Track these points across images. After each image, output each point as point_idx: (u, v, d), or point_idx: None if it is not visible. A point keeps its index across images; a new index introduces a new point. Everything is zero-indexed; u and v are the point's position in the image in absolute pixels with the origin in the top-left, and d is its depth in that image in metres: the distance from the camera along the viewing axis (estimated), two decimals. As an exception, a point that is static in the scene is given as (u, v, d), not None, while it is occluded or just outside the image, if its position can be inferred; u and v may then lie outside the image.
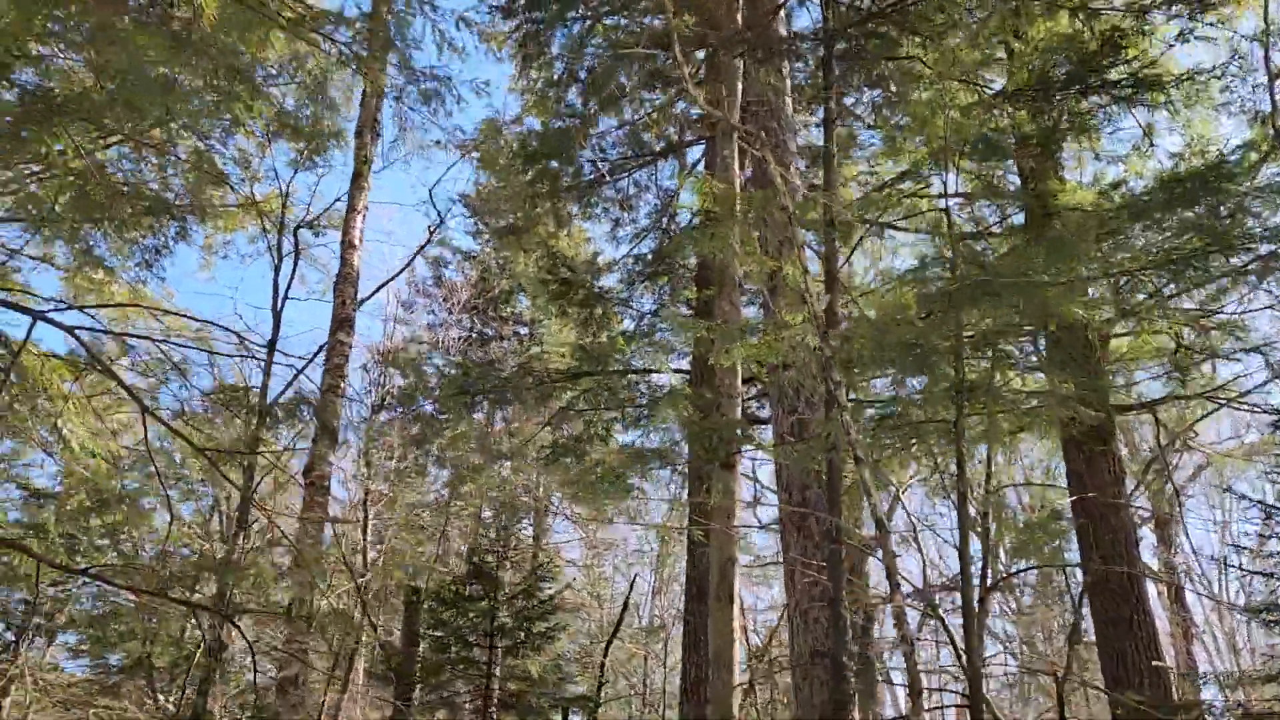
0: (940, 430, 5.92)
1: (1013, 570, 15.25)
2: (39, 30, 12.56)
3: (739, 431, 7.67)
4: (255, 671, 9.85)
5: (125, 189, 14.48)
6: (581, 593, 27.75)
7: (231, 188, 15.18)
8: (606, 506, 14.83)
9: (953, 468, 5.60)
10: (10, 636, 23.40)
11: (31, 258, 15.53)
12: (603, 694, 13.77)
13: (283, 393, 11.35)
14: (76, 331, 7.14)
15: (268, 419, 10.44)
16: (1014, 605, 22.46)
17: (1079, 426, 7.36)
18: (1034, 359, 8.20)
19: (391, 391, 17.32)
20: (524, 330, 25.09)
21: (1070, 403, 6.35)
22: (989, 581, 5.62)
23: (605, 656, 14.19)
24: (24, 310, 6.89)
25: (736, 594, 7.29)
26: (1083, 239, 6.23)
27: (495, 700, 12.14)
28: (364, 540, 17.38)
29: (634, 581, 16.20)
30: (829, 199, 5.94)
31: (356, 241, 10.10)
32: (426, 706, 13.63)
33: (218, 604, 7.95)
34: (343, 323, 9.59)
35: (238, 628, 6.59)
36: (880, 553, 5.04)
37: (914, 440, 5.95)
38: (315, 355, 10.55)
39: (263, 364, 11.22)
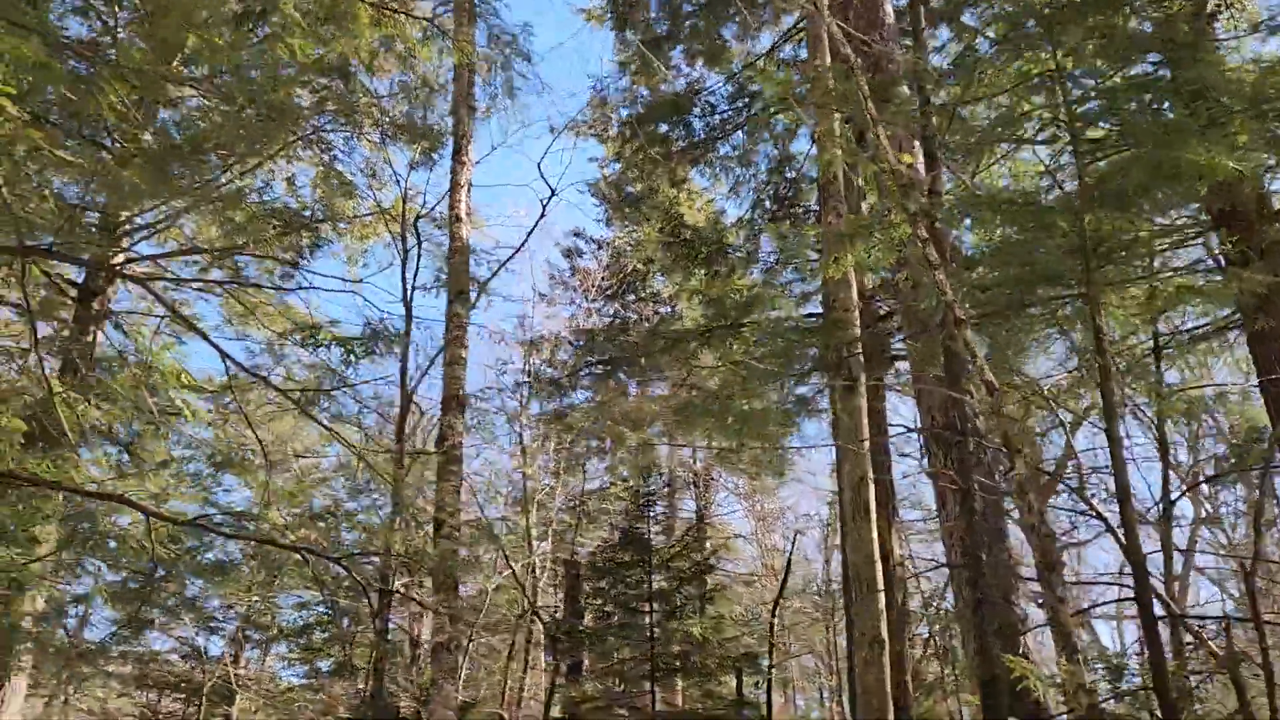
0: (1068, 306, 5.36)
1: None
2: (176, 74, 13.27)
3: (858, 345, 7.27)
4: (411, 641, 10.09)
5: (264, 212, 15.23)
6: (756, 563, 27.53)
7: (359, 196, 15.78)
8: (756, 459, 14.51)
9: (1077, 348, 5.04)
10: (213, 647, 25.15)
11: (194, 287, 16.60)
12: (774, 653, 13.49)
13: (420, 378, 11.60)
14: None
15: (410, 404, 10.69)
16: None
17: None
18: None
19: (535, 374, 17.55)
20: (665, 310, 25.01)
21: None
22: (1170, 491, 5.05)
23: (774, 616, 13.91)
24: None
25: (872, 511, 6.90)
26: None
27: (661, 663, 12.09)
28: (527, 521, 17.74)
29: (795, 539, 15.82)
30: (919, 58, 5.50)
31: (463, 215, 10.22)
32: (596, 673, 13.73)
33: (347, 559, 8.14)
34: (458, 296, 9.71)
35: (393, 591, 6.73)
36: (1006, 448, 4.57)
37: (1036, 310, 5.41)
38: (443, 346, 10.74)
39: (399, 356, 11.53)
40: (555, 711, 13.82)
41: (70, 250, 8.91)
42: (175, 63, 15.39)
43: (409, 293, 12.32)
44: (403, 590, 11.94)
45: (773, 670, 13.46)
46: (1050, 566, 4.17)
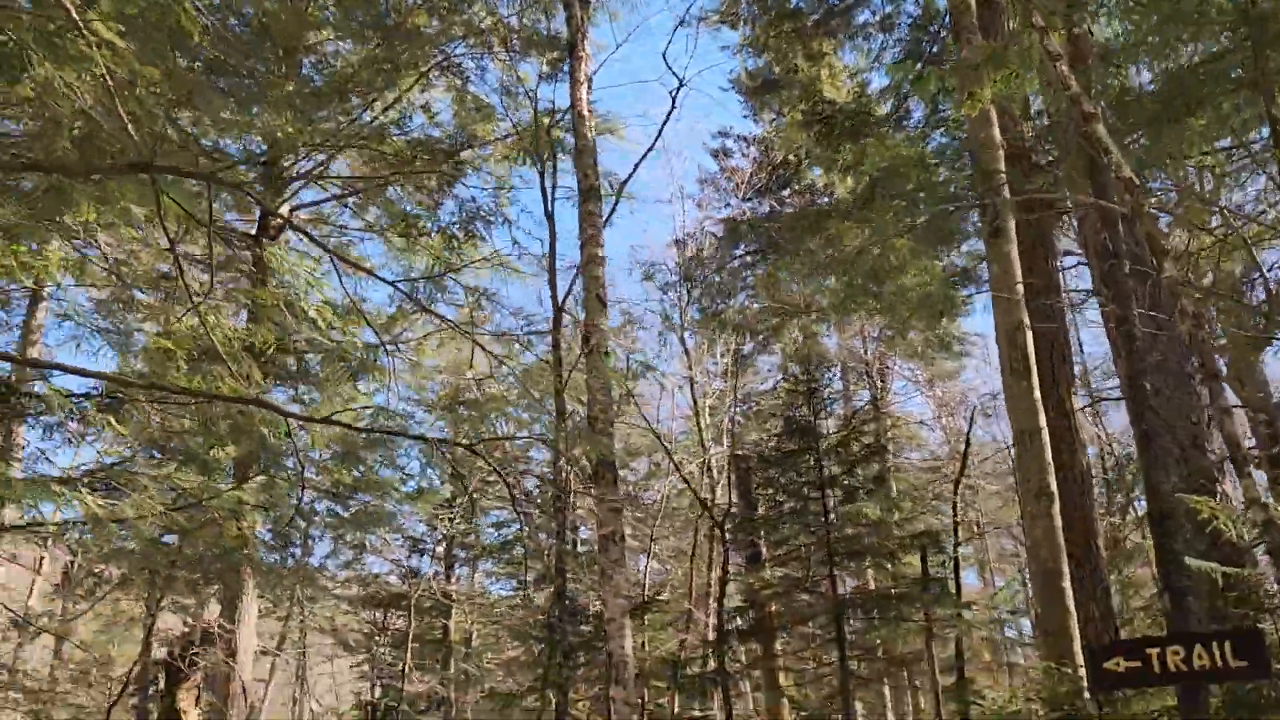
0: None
1: None
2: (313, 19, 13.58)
3: (1003, 185, 6.70)
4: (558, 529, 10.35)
5: (409, 145, 15.59)
6: (940, 449, 26.81)
7: (497, 118, 15.88)
8: (925, 340, 13.95)
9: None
10: (426, 565, 26.81)
11: (355, 228, 17.29)
12: (958, 531, 13.09)
13: (569, 289, 11.71)
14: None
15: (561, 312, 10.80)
16: None
17: None
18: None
19: (687, 272, 17.40)
20: (822, 201, 24.21)
21: None
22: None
23: (956, 494, 13.48)
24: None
25: (1030, 359, 6.43)
26: None
27: (839, 547, 11.96)
28: (698, 423, 17.85)
29: (974, 415, 15.18)
30: None
31: (585, 112, 10.08)
32: (774, 560, 13.77)
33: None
34: (588, 193, 9.63)
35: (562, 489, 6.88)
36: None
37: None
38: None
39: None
40: (736, 601, 14.05)
41: (246, 184, 9.40)
42: (310, 8, 15.84)
43: (549, 204, 12.35)
44: (574, 490, 12.26)
45: (959, 549, 13.07)
46: (1213, 375, 3.71)
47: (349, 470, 11.26)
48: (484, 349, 10.62)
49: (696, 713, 13.79)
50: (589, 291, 9.07)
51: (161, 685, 15.34)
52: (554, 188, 12.75)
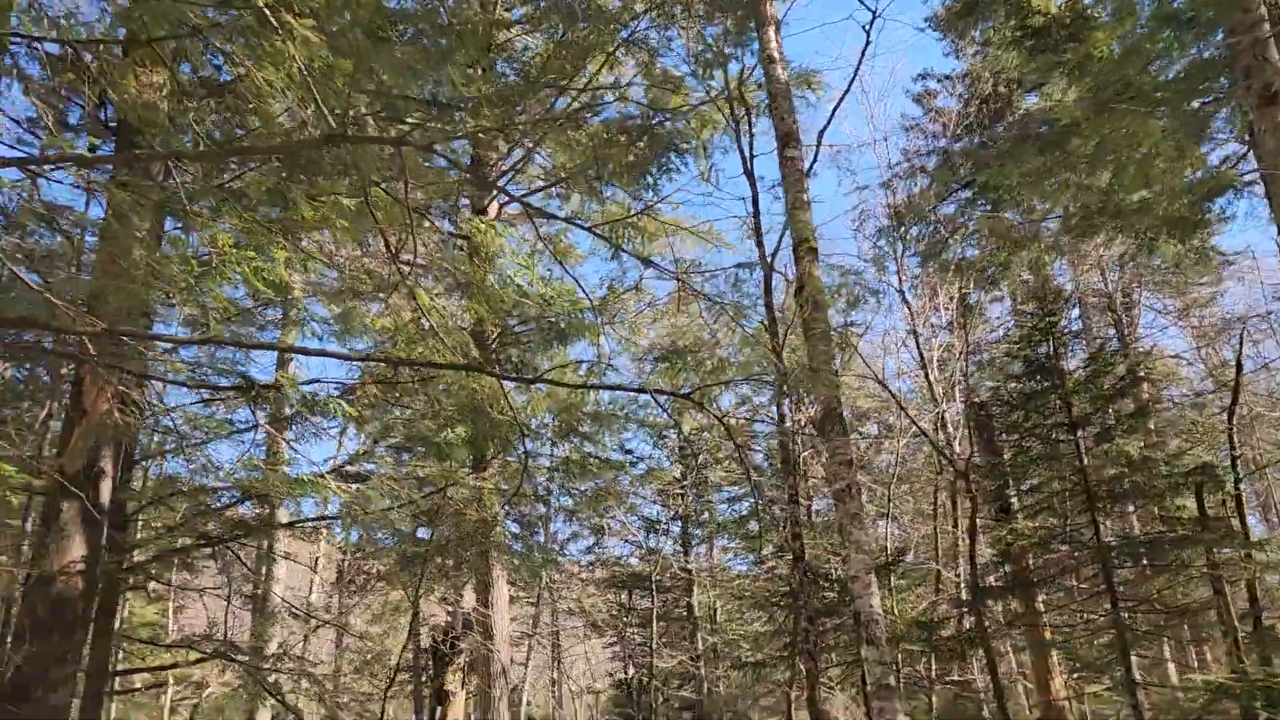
0: None
1: None
2: (503, 20, 13.86)
3: (1267, 40, 5.76)
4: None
5: (606, 130, 15.69)
6: (1203, 383, 24.30)
7: (687, 89, 15.69)
8: (1176, 257, 12.54)
9: None
10: (665, 544, 27.10)
11: (562, 217, 17.62)
12: (1237, 465, 11.68)
13: (777, 248, 11.34)
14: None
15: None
16: None
17: None
18: None
19: (898, 215, 16.54)
20: (1042, 129, 22.49)
21: None
22: None
23: (1230, 424, 12.04)
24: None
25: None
26: None
27: (1098, 490, 10.95)
28: (927, 377, 16.98)
29: (1243, 334, 13.47)
30: None
31: (775, 55, 9.65)
32: (1026, 510, 12.81)
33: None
34: (786, 139, 9.22)
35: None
36: None
37: None
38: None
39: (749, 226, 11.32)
40: (988, 557, 13.18)
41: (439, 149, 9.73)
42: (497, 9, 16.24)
43: (749, 163, 12.03)
44: (802, 451, 11.88)
45: (1240, 484, 11.67)
46: None
47: (577, 448, 11.41)
48: (701, 296, 10.47)
49: (955, 676, 13.11)
50: (796, 237, 8.68)
51: (431, 670, 16.33)
52: (752, 146, 12.40)
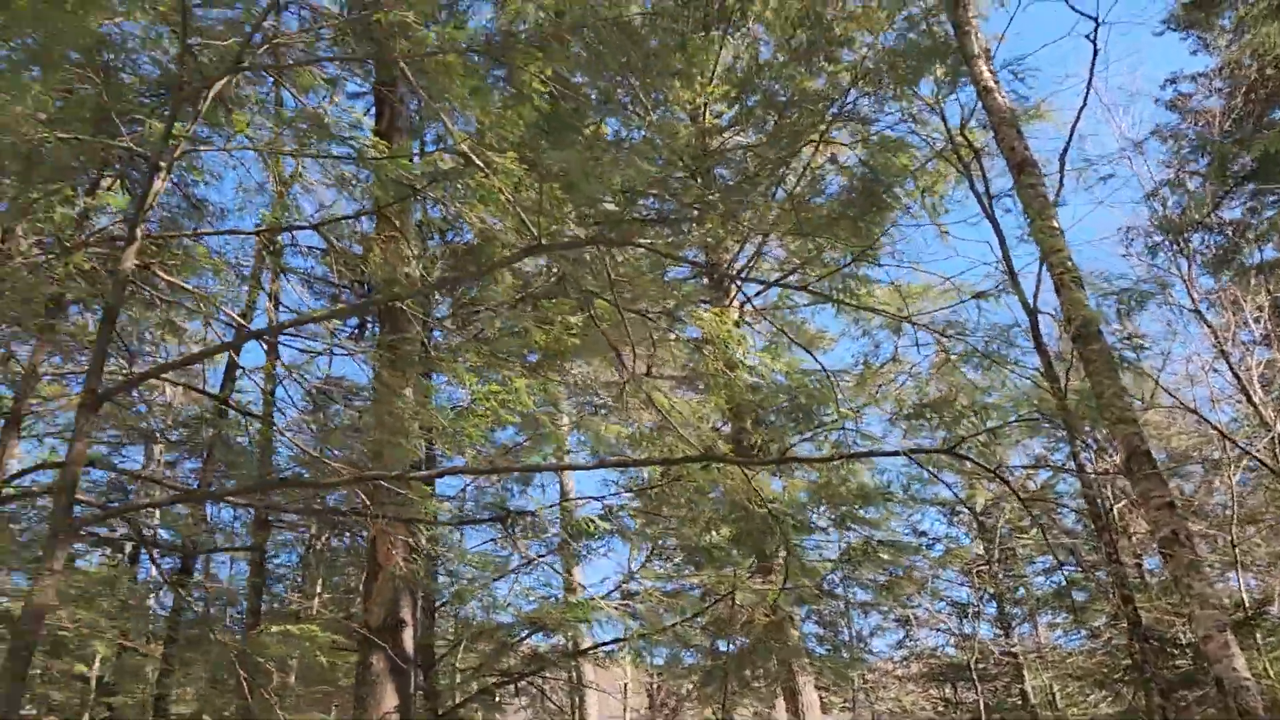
0: None
1: None
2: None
3: None
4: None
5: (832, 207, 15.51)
6: None
7: (912, 149, 15.19)
8: None
9: None
10: (982, 629, 25.13)
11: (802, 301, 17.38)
12: None
13: (1037, 288, 10.56)
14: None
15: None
16: None
17: None
18: None
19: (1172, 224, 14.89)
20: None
21: None
22: None
23: None
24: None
25: None
26: None
27: None
28: (1249, 398, 14.93)
29: None
30: None
31: (991, 85, 9.04)
32: None
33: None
34: (1021, 166, 8.52)
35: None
36: None
37: None
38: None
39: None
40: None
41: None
42: (705, 117, 16.63)
43: (988, 205, 11.29)
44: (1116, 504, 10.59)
45: None
46: None
47: (861, 536, 10.78)
48: (958, 358, 9.76)
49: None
50: (1055, 269, 7.89)
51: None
52: (988, 187, 11.67)
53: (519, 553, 7.19)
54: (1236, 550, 13.31)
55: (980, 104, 9.42)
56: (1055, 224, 8.15)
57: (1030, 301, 10.66)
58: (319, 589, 16.11)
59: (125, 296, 5.58)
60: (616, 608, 7.57)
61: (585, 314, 5.68)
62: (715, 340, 5.78)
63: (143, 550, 14.05)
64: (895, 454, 3.99)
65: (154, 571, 12.97)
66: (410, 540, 7.55)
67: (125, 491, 16.35)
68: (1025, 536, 22.64)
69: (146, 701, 13.17)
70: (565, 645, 11.66)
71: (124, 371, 7.57)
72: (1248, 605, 11.85)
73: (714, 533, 8.03)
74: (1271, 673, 10.94)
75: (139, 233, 4.55)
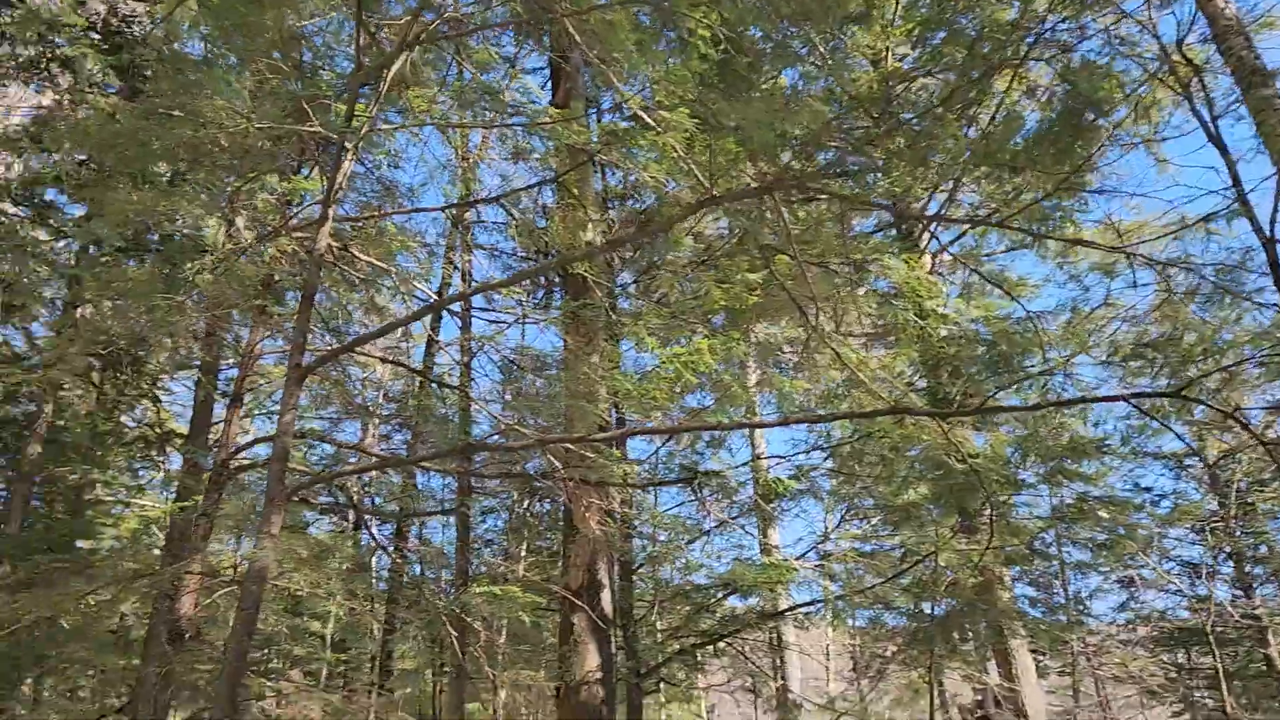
0: None
1: None
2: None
3: None
4: None
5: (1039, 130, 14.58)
6: None
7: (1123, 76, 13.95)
8: None
9: None
10: (1219, 589, 23.27)
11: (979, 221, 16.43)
12: None
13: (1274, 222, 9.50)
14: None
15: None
16: None
17: None
18: None
19: None
20: None
21: None
22: None
23: None
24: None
25: None
26: None
27: None
28: None
29: None
30: None
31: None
32: None
33: None
34: (1253, 76, 7.61)
35: None
36: None
37: None
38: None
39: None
40: None
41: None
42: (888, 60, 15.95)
43: (1214, 127, 10.18)
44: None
45: None
46: None
47: (1076, 494, 10.09)
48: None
49: None
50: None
51: (967, 754, 15.22)
52: (1212, 108, 10.52)
53: (710, 513, 7.14)
54: None
55: (1199, 13, 8.46)
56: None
57: (1266, 228, 9.55)
58: (523, 553, 16.77)
59: (326, 277, 5.87)
60: (813, 568, 7.40)
61: (766, 270, 5.52)
62: (906, 290, 5.47)
63: (362, 518, 15.02)
64: (1114, 399, 3.61)
65: (373, 538, 13.84)
66: (605, 504, 7.66)
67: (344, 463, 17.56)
68: (1267, 489, 20.71)
69: (374, 656, 14.12)
70: (762, 607, 11.60)
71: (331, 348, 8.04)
72: None
73: (911, 491, 7.70)
74: None
75: (330, 213, 4.75)
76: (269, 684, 13.91)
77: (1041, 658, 24.31)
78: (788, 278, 5.16)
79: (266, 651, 16.75)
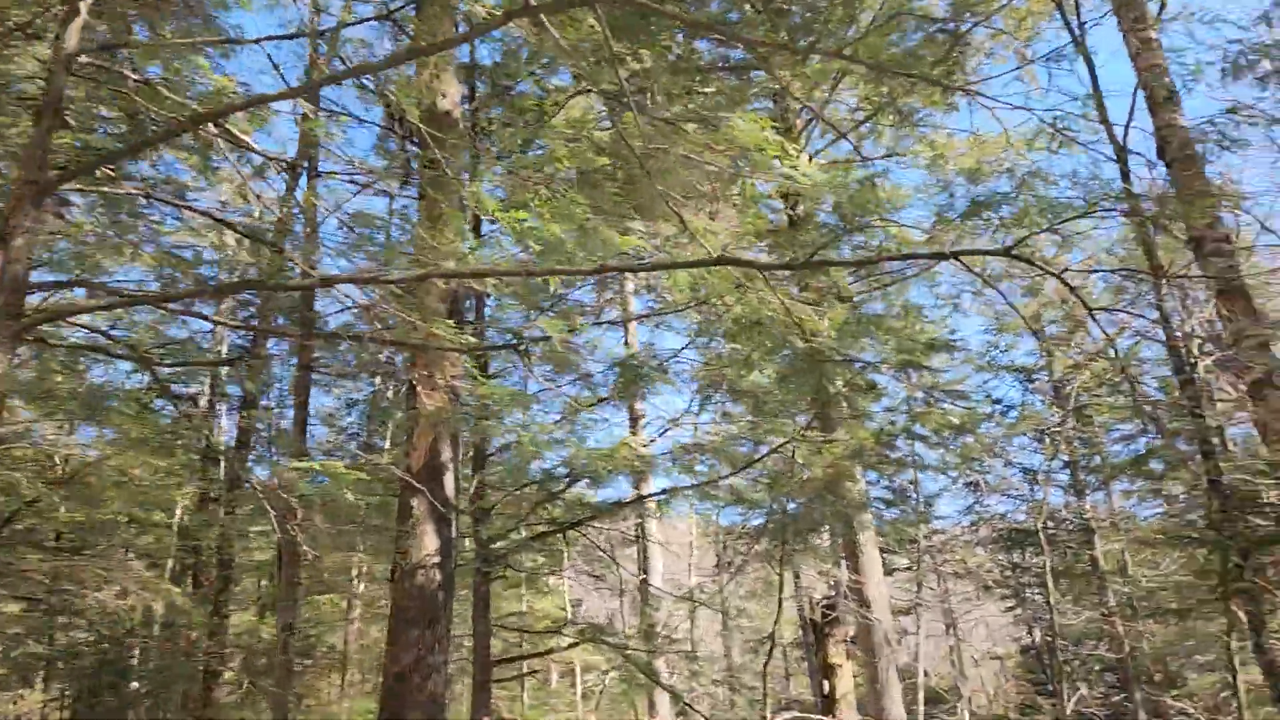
0: None
1: None
2: None
3: None
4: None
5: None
6: None
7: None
8: None
9: None
10: (1054, 495, 24.59)
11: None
12: None
13: (1126, 130, 9.66)
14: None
15: None
16: None
17: None
18: None
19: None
20: None
21: None
22: None
23: None
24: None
25: None
26: None
27: None
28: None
29: None
30: None
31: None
32: None
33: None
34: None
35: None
36: None
37: None
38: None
39: None
40: None
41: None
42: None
43: (1079, 32, 10.21)
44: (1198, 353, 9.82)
45: None
46: None
47: (929, 397, 10.23)
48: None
49: None
50: (1149, 89, 7.03)
51: (813, 643, 15.81)
52: (1079, 13, 10.55)
53: (535, 380, 6.91)
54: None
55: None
56: (1153, 35, 7.24)
57: (1121, 138, 9.71)
58: (388, 442, 16.34)
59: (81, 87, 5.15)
60: (663, 456, 7.30)
61: (614, 128, 5.16)
62: (754, 148, 5.20)
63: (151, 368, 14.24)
64: (941, 256, 3.47)
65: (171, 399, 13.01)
66: (446, 381, 7.30)
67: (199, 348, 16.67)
68: (1101, 402, 21.82)
69: (218, 546, 13.59)
70: (619, 498, 11.57)
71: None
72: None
73: (755, 372, 7.61)
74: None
75: (82, 4, 4.06)
76: (102, 572, 13.25)
77: (891, 555, 25.45)
78: (635, 138, 4.81)
79: (107, 541, 15.99)
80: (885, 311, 13.81)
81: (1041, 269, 3.19)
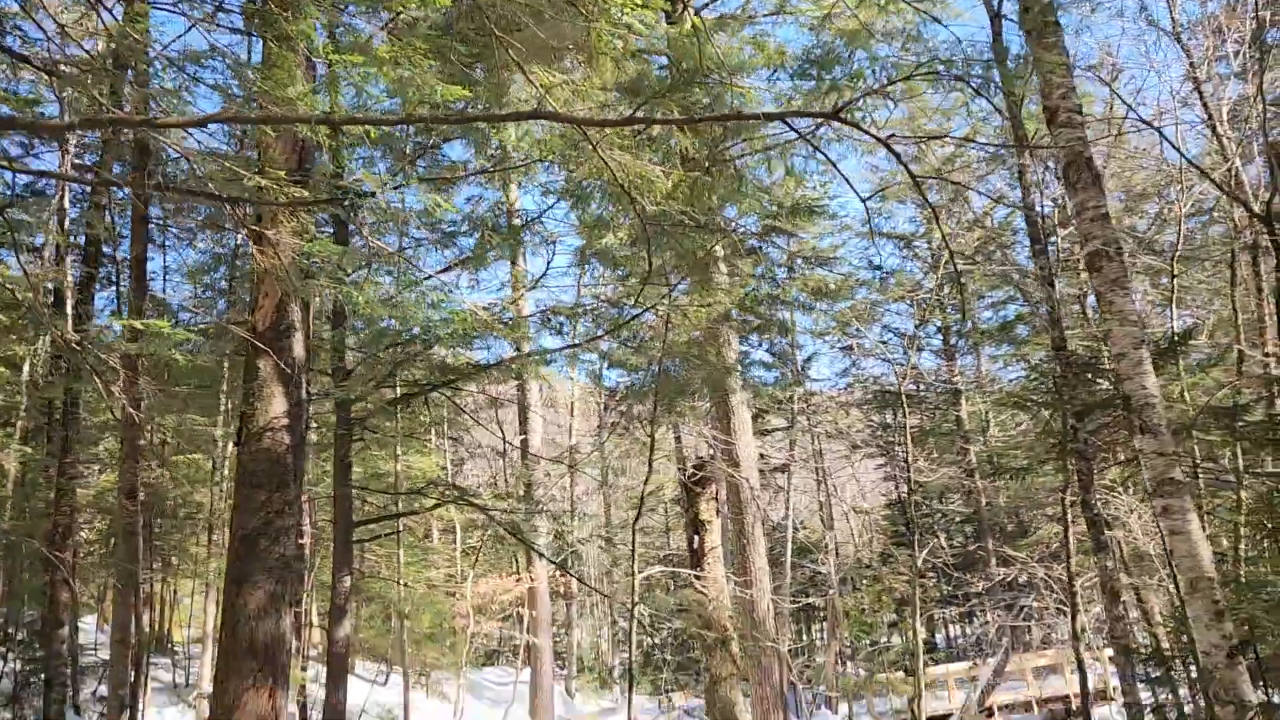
0: None
1: None
2: None
3: None
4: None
5: None
6: None
7: None
8: None
9: None
10: (924, 359, 25.46)
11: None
12: None
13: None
14: None
15: None
16: None
17: None
18: None
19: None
20: None
21: None
22: None
23: None
24: None
25: None
26: None
27: None
28: (1215, 131, 14.17)
29: None
30: None
31: None
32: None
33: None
34: None
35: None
36: None
37: None
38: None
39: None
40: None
41: None
42: None
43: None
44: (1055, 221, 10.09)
45: None
46: None
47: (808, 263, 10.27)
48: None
49: (1270, 469, 11.12)
50: None
51: (685, 500, 16.32)
52: None
53: (366, 240, 6.63)
54: (1175, 282, 13.07)
55: None
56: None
57: (996, 4, 9.62)
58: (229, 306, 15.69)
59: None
60: (489, 319, 7.15)
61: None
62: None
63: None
64: (771, 117, 3.34)
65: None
66: (283, 239, 6.91)
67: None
68: (977, 272, 22.47)
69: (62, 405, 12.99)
70: (486, 361, 11.43)
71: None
72: (1176, 335, 11.75)
73: (611, 235, 7.48)
74: (1188, 396, 10.97)
75: None
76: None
77: (767, 416, 26.27)
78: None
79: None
80: (766, 177, 13.71)
81: (866, 133, 3.10)
